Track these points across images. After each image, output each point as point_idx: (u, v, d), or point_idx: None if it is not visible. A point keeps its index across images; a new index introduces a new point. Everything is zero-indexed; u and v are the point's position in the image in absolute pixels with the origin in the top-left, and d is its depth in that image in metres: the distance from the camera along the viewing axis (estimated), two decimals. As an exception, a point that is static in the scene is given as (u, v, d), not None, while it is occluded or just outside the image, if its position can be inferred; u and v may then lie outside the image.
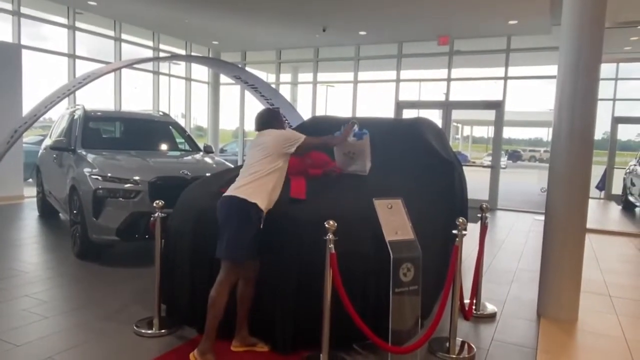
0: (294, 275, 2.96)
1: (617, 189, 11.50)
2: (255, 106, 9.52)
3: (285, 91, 13.48)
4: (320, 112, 13.03)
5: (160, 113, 7.55)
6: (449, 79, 11.01)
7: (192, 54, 13.09)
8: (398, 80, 11.51)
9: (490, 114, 10.17)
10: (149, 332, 3.26)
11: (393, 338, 2.88)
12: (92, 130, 6.15)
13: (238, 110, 13.94)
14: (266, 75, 13.87)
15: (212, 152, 6.76)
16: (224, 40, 12.52)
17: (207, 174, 4.92)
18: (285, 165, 3.03)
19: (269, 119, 3.19)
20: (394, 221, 3.02)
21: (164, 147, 6.47)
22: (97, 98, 11.43)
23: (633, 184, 9.70)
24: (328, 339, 2.79)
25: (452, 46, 10.83)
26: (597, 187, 12.62)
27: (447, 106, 10.53)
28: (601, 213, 10.32)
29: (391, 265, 2.86)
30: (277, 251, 3.01)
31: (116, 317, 3.52)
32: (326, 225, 2.72)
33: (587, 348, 3.37)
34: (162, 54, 12.23)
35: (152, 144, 6.30)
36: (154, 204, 3.35)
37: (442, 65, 11.10)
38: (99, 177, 4.78)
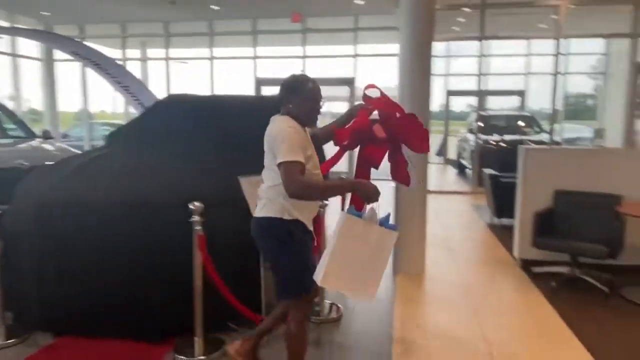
0: (160, 261, 2.86)
1: (453, 154, 13.14)
2: (104, 84, 8.70)
3: (134, 68, 12.48)
4: (175, 91, 12.39)
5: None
6: (304, 56, 11.30)
7: (17, 26, 11.32)
8: (255, 57, 11.46)
9: (345, 90, 10.75)
10: (-6, 344, 2.88)
11: (267, 310, 2.97)
12: None
13: (80, 90, 12.54)
14: (110, 51, 12.64)
15: (52, 138, 6.05)
16: (57, 12, 11.04)
17: (48, 163, 4.39)
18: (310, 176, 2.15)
19: (283, 93, 2.22)
20: (260, 197, 3.07)
21: (-12, 135, 5.59)
22: None
23: (464, 149, 11.18)
24: (201, 322, 2.77)
25: (305, 24, 11.09)
26: (437, 153, 14.28)
27: (304, 83, 10.83)
28: (440, 176, 11.75)
29: (260, 241, 2.92)
30: (139, 238, 2.86)
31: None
32: (191, 207, 2.66)
33: (433, 294, 3.89)
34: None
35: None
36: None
37: (298, 42, 11.33)
38: None
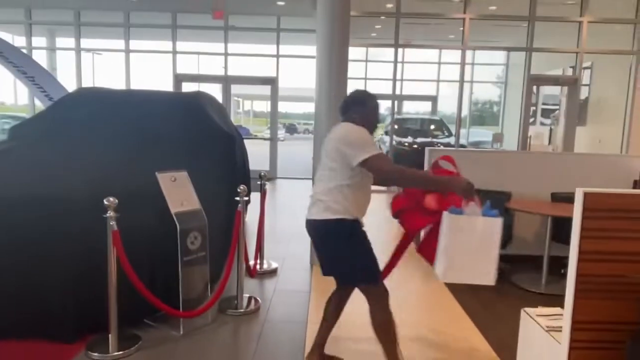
0: (72, 259, 2.79)
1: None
2: (4, 74, 8.03)
3: (40, 58, 11.60)
4: (86, 84, 11.71)
5: None
6: (226, 54, 11.21)
7: None
8: (175, 52, 11.16)
9: (267, 89, 10.84)
10: None
11: (184, 305, 3.01)
12: None
13: (-24, 78, 11.43)
14: (12, 38, 11.66)
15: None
16: (-52, -10, 10.01)
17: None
18: (364, 181, 2.35)
19: (348, 103, 2.43)
20: (179, 193, 3.11)
21: None
22: None
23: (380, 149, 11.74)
24: (116, 318, 2.74)
25: (227, 21, 11.01)
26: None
27: (226, 80, 10.77)
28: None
29: (178, 236, 2.96)
30: (50, 235, 2.77)
31: None
32: (106, 203, 2.63)
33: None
34: None
35: None
36: None
37: (220, 39, 11.21)
38: None
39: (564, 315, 1.83)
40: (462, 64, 9.13)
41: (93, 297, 2.80)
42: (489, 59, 15.42)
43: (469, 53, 10.13)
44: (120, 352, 2.72)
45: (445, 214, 2.19)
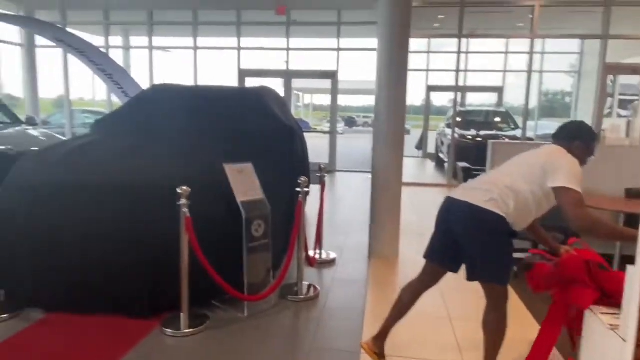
0: (148, 241, 3.04)
1: (432, 148, 13.48)
2: (83, 72, 8.70)
3: (116, 56, 12.43)
4: (158, 80, 12.40)
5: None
6: (288, 49, 11.43)
7: (-3, 10, 11.18)
8: (239, 48, 11.55)
9: (327, 83, 10.94)
10: (-14, 319, 3.03)
11: (249, 289, 3.19)
12: None
13: (61, 76, 12.44)
14: (92, 38, 12.55)
15: (37, 124, 6.13)
16: (38, -4, 10.96)
17: (34, 149, 4.51)
18: (539, 207, 2.33)
19: (574, 133, 2.39)
20: (245, 183, 3.28)
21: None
22: None
23: (442, 144, 11.50)
24: (187, 298, 2.96)
25: (289, 16, 11.21)
26: (416, 147, 14.61)
27: (287, 75, 11.00)
28: (419, 169, 12.06)
29: (244, 223, 3.13)
30: (129, 220, 3.04)
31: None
32: (179, 191, 2.84)
33: (405, 276, 4.10)
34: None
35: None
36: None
37: (282, 34, 11.45)
38: None
39: (630, 313, 1.78)
40: (531, 53, 8.75)
41: (167, 278, 3.03)
42: (561, 47, 14.57)
43: (538, 41, 9.66)
44: (191, 330, 2.95)
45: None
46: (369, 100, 50.49)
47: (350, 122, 38.26)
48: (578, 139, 2.36)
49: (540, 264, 2.52)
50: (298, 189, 3.54)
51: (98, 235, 3.04)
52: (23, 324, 3.00)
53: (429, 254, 2.55)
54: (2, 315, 3.06)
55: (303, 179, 3.55)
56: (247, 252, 3.17)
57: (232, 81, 11.16)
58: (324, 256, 4.45)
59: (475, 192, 2.33)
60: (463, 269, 2.42)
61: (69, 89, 12.50)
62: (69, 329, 2.96)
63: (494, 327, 2.35)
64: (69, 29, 9.95)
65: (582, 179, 2.23)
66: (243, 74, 11.09)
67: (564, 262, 2.39)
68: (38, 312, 3.14)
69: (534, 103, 14.20)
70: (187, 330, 2.94)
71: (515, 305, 3.49)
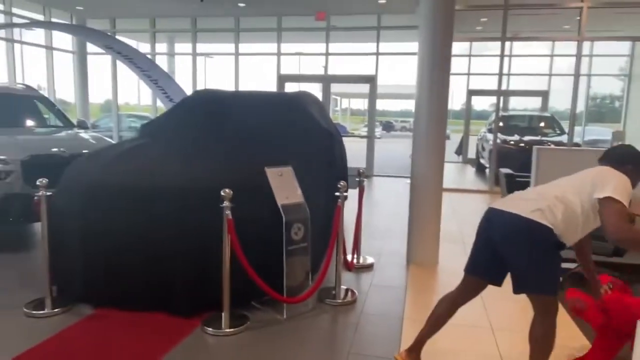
0: (193, 242, 3.12)
1: (472, 153, 13.20)
2: (128, 77, 9.04)
3: (161, 62, 12.87)
4: (200, 85, 12.73)
5: (22, 86, 6.85)
6: (327, 54, 11.50)
7: (52, 20, 11.81)
8: (279, 54, 11.71)
9: (365, 88, 10.93)
10: (41, 312, 3.19)
11: (287, 291, 3.23)
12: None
13: (109, 82, 12.99)
14: (138, 45, 13.05)
15: (87, 128, 6.42)
16: (90, 6, 11.49)
17: (85, 151, 4.74)
18: (588, 221, 2.26)
19: (627, 157, 2.37)
20: (285, 187, 3.32)
21: (30, 123, 5.96)
22: None
23: (483, 149, 11.24)
24: (228, 299, 3.03)
25: (328, 22, 11.28)
26: (456, 152, 14.34)
27: (326, 80, 11.06)
28: (458, 175, 11.84)
29: (283, 227, 3.17)
30: (174, 220, 3.14)
31: (1, 302, 3.38)
32: (222, 194, 2.91)
33: (444, 284, 4.07)
34: (15, 20, 10.85)
35: (16, 121, 5.76)
36: (37, 183, 3.21)
37: (321, 40, 11.54)
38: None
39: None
40: (578, 55, 8.44)
41: (209, 278, 3.11)
42: (610, 50, 13.99)
43: (586, 44, 9.31)
44: (232, 329, 3.01)
45: None
46: (407, 105, 50.00)
47: (388, 127, 37.99)
48: (630, 163, 2.34)
49: (592, 306, 2.62)
50: (337, 193, 3.55)
51: (146, 235, 3.16)
52: (74, 318, 3.15)
53: (471, 268, 2.49)
54: (55, 310, 3.22)
55: (342, 183, 3.57)
56: (286, 255, 3.21)
57: (271, 86, 11.33)
58: (361, 261, 4.44)
59: (520, 203, 2.30)
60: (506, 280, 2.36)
61: (117, 94, 13.03)
62: (116, 324, 3.08)
63: (542, 339, 2.28)
64: (117, 37, 10.40)
65: (630, 194, 2.17)
66: (282, 79, 11.24)
67: (614, 315, 2.50)
68: (88, 308, 3.30)
69: (581, 107, 13.69)
70: (227, 330, 3.00)
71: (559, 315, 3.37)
